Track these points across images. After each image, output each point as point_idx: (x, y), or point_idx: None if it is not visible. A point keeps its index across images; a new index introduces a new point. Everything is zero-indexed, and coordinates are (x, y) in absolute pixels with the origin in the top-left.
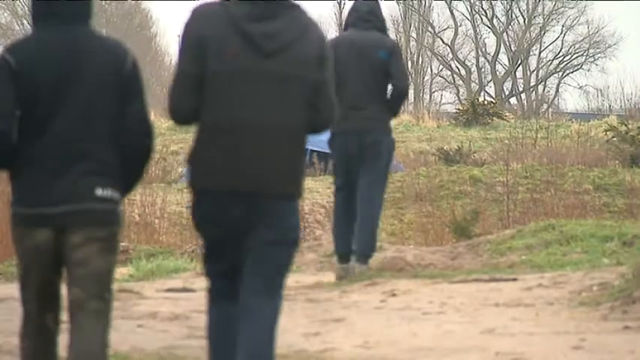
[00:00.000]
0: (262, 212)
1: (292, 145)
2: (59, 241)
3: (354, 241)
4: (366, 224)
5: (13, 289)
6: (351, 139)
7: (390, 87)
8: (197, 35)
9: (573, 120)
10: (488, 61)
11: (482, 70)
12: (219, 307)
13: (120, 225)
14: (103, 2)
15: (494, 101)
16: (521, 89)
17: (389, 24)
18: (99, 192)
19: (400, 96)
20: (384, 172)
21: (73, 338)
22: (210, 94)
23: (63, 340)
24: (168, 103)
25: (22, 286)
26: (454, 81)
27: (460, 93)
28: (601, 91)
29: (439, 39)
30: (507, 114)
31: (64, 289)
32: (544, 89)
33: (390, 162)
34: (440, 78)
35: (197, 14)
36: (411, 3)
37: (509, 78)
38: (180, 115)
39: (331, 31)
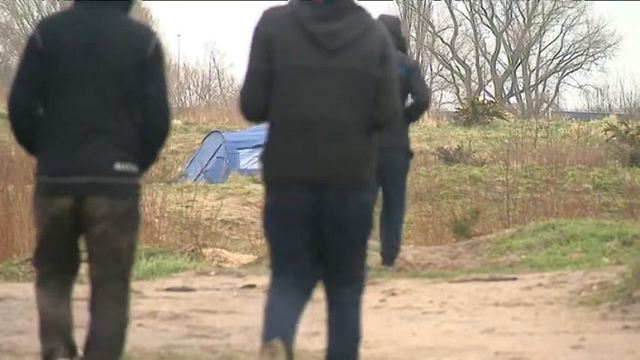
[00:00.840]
0: (331, 201)
1: (356, 138)
2: (78, 210)
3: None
4: (389, 232)
5: (12, 289)
6: None
7: (410, 99)
8: (265, 35)
9: (573, 119)
10: (488, 60)
11: (482, 69)
12: (277, 296)
13: (139, 198)
14: None
15: (494, 101)
16: (521, 89)
17: None
18: (118, 166)
19: (421, 106)
20: (403, 184)
21: (92, 318)
22: (278, 91)
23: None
24: (239, 100)
25: (39, 251)
26: (454, 80)
27: (460, 92)
28: (601, 90)
29: (439, 38)
30: (507, 113)
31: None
32: (544, 89)
33: (407, 171)
34: (440, 77)
35: (265, 16)
36: (410, 2)
37: (509, 77)
38: (251, 111)
39: None
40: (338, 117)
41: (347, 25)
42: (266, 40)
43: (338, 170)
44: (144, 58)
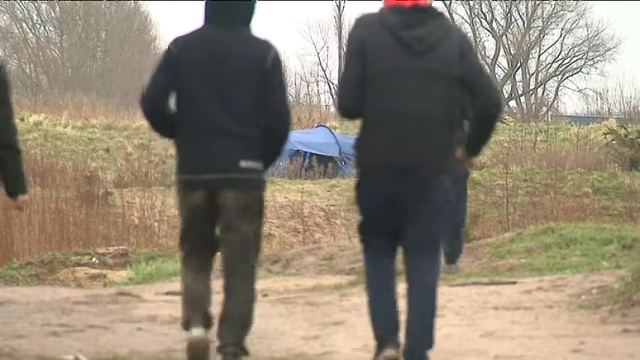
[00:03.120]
0: (414, 185)
1: (439, 130)
2: (211, 203)
3: None
4: (451, 233)
5: (12, 292)
6: None
7: None
8: (360, 41)
9: (573, 123)
10: (487, 64)
11: None
12: (376, 264)
13: (263, 191)
14: (102, 5)
15: None
16: (520, 92)
17: None
18: (242, 164)
19: None
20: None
21: (225, 298)
22: (371, 90)
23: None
24: (338, 99)
25: (182, 236)
26: None
27: None
28: (600, 94)
29: None
30: (507, 117)
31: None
32: (543, 92)
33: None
34: None
35: (359, 24)
36: None
37: (509, 81)
38: (350, 109)
39: (330, 35)
40: (423, 111)
41: (431, 30)
42: (360, 46)
43: (422, 158)
44: (264, 68)
